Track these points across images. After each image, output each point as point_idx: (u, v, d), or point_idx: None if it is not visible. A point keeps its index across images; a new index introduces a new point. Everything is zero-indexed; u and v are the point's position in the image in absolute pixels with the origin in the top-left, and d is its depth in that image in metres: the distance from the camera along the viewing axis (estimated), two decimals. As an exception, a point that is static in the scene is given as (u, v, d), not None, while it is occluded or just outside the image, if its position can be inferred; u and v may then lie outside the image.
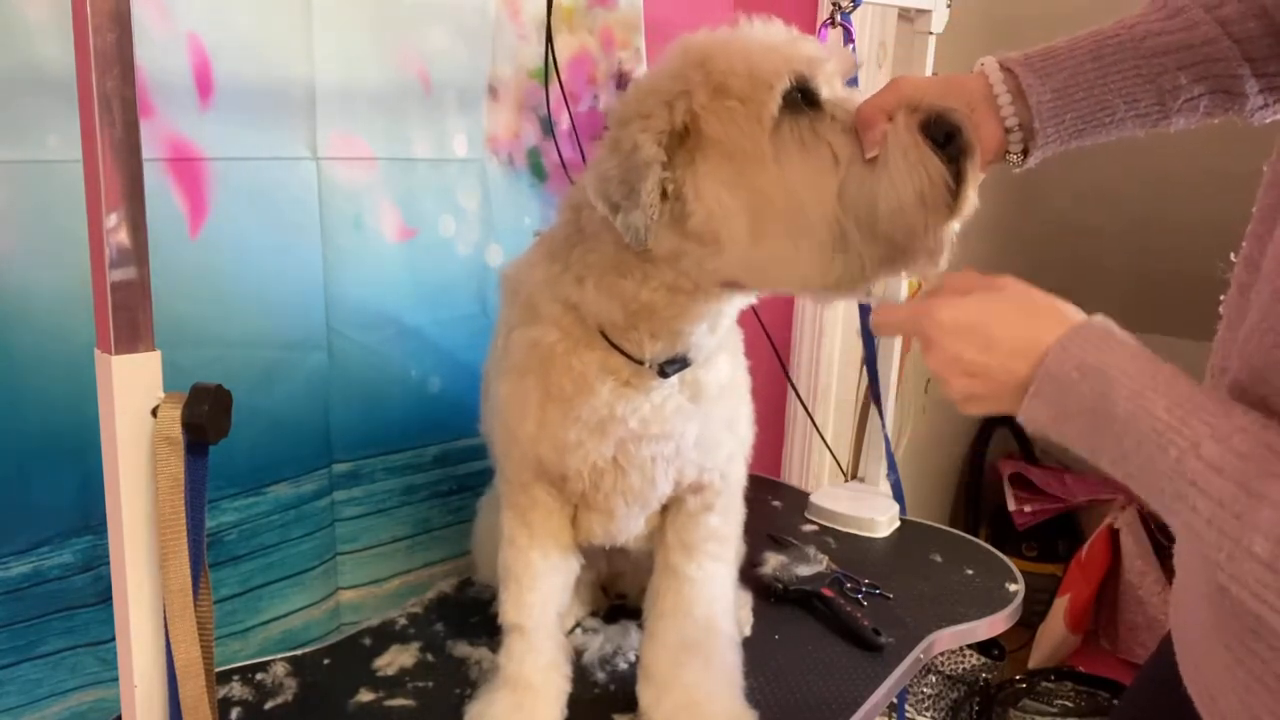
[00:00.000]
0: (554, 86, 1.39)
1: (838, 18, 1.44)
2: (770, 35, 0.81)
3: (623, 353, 0.90)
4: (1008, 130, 0.83)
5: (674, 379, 0.93)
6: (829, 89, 0.79)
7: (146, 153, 0.70)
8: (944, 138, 0.73)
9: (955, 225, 0.77)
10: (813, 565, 1.38)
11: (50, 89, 0.92)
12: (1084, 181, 3.05)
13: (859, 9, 1.44)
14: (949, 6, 1.55)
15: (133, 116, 0.68)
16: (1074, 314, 0.66)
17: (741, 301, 0.92)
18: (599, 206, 0.81)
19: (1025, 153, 0.85)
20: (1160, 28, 0.80)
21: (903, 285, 1.66)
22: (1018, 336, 0.65)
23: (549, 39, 1.35)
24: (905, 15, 1.69)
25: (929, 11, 1.53)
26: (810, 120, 0.78)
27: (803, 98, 0.78)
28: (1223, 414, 0.56)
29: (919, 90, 0.78)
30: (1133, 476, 0.60)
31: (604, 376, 0.91)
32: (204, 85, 1.06)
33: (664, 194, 0.79)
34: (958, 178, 0.74)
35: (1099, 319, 0.64)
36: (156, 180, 1.03)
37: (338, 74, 1.17)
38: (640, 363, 0.91)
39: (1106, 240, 3.06)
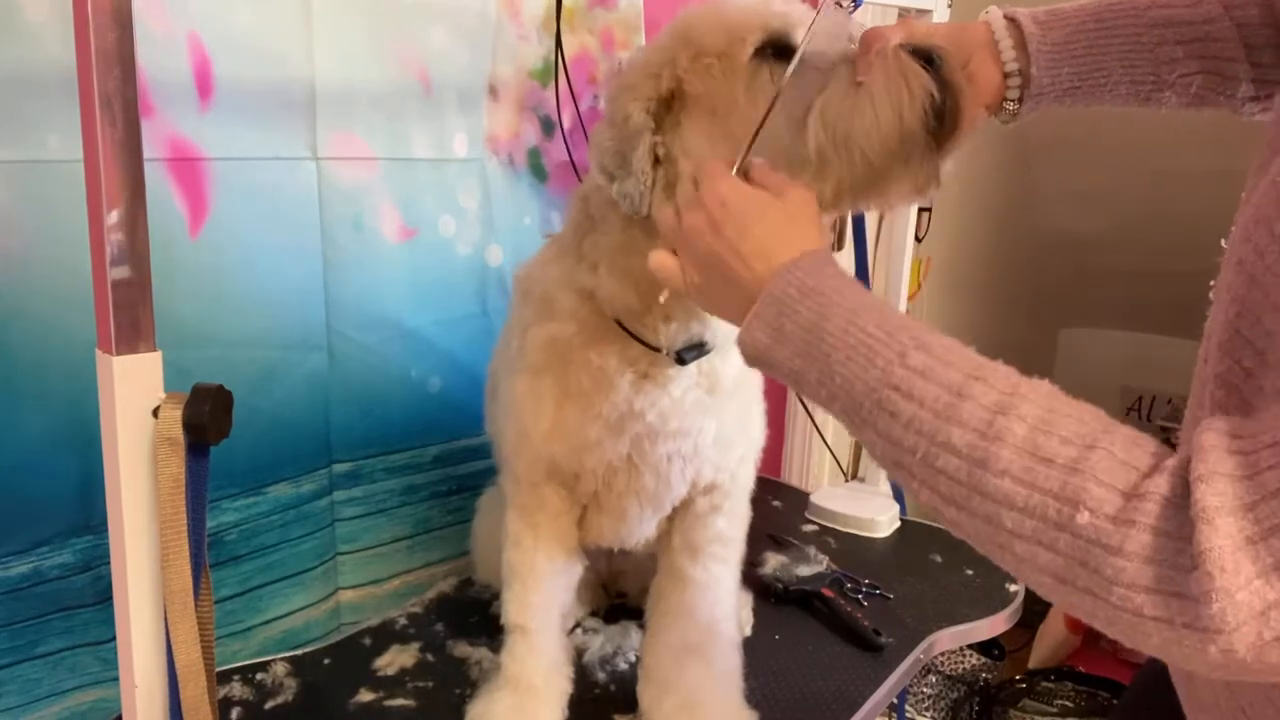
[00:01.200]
0: (562, 86, 1.39)
1: None
2: (749, 1, 0.83)
3: (641, 341, 0.90)
4: (1006, 75, 0.84)
5: (692, 369, 0.93)
6: (816, 47, 0.79)
7: (147, 153, 0.70)
8: (927, 61, 0.74)
9: (947, 162, 0.77)
10: (813, 565, 1.38)
11: (50, 89, 0.92)
12: (1084, 181, 3.05)
13: (859, 9, 1.44)
14: (949, 6, 1.55)
15: (133, 116, 0.68)
16: (811, 239, 0.67)
17: None
18: (599, 180, 0.83)
19: (1020, 100, 0.86)
20: (1166, 0, 0.81)
21: (904, 277, 1.66)
22: (768, 239, 0.66)
23: (558, 41, 1.34)
24: (905, 15, 1.69)
25: (929, 11, 1.53)
26: (786, 68, 0.78)
27: (780, 53, 0.79)
28: (928, 331, 0.59)
29: (928, 30, 0.80)
30: (835, 396, 0.60)
31: (623, 369, 0.91)
32: (204, 85, 1.06)
33: (656, 161, 0.81)
34: (943, 112, 0.74)
35: (821, 249, 0.66)
36: (157, 180, 1.03)
37: (338, 74, 1.17)
38: (658, 350, 0.91)
39: (1106, 240, 3.06)
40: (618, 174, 0.81)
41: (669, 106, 0.82)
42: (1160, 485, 0.49)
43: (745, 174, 0.73)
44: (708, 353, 0.93)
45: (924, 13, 1.54)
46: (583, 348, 0.92)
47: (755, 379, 1.03)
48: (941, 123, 0.74)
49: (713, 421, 0.96)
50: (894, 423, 0.57)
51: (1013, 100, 0.85)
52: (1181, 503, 0.48)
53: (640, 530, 1.03)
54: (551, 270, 0.95)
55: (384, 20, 1.21)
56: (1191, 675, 0.70)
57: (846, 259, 1.96)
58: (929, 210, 2.41)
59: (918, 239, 2.25)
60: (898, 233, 1.67)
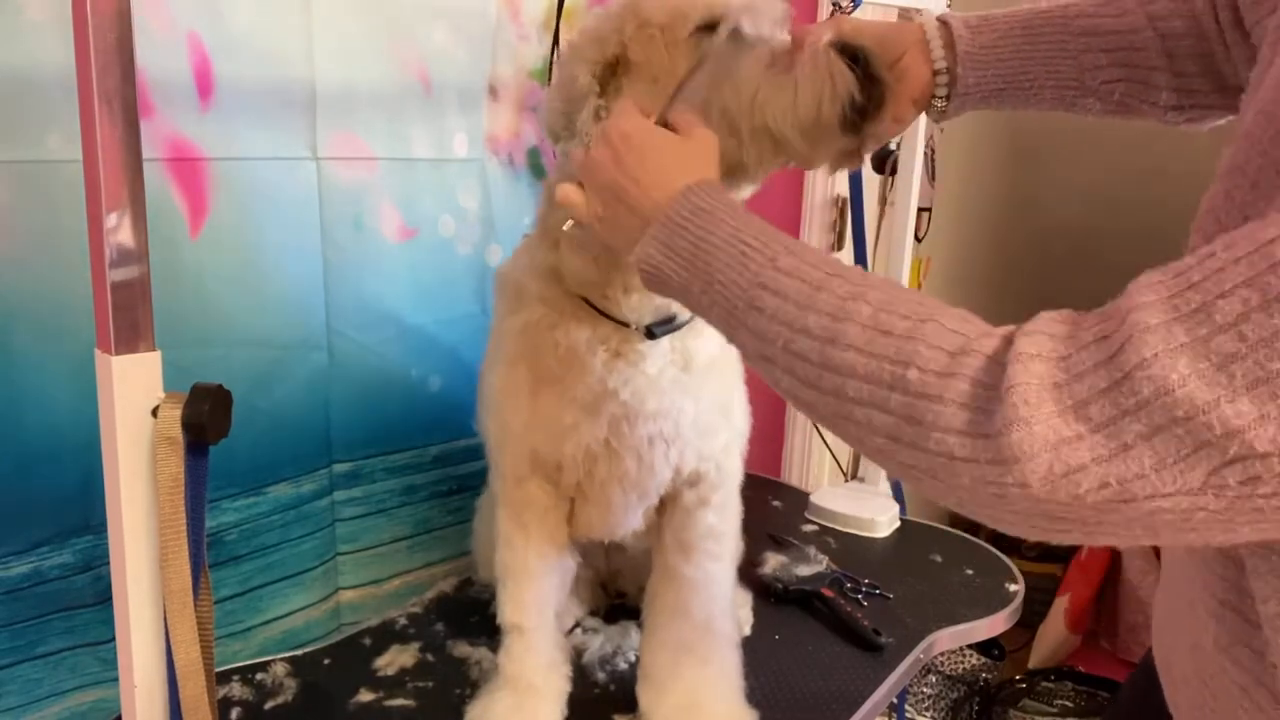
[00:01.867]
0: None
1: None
2: None
3: (609, 318, 0.91)
4: (935, 73, 0.89)
5: (664, 346, 0.93)
6: (755, 31, 0.84)
7: (147, 153, 0.70)
8: (853, 59, 0.79)
9: (869, 146, 0.83)
10: (813, 565, 1.38)
11: (50, 89, 0.92)
12: (1084, 181, 3.05)
13: (859, 9, 1.44)
14: (948, 6, 1.55)
15: (133, 116, 0.68)
16: (704, 171, 0.72)
17: None
18: (549, 142, 0.87)
19: (948, 98, 0.90)
20: (1092, 10, 0.86)
21: (904, 277, 1.66)
22: (667, 169, 0.71)
23: (555, 39, 1.34)
24: (905, 15, 1.69)
25: (930, 11, 1.53)
26: (733, 47, 0.83)
27: (714, 30, 0.83)
28: (799, 243, 0.64)
29: (856, 27, 0.85)
30: (715, 303, 0.66)
31: (593, 347, 0.92)
32: (204, 85, 1.06)
33: (597, 121, 0.83)
34: (864, 107, 0.79)
35: (714, 179, 0.72)
36: (157, 180, 1.03)
37: (338, 74, 1.17)
38: (626, 325, 0.91)
39: (1106, 240, 3.06)
40: (563, 135, 0.85)
41: (614, 72, 0.85)
42: (985, 345, 0.53)
43: (664, 123, 0.78)
44: (678, 327, 0.94)
45: (923, 12, 1.54)
46: (550, 330, 0.93)
47: (734, 362, 1.03)
48: (863, 116, 0.80)
49: (691, 402, 0.96)
50: (760, 317, 0.62)
51: (940, 98, 0.90)
52: (1003, 359, 0.52)
53: (627, 519, 1.03)
54: (522, 259, 0.98)
55: (384, 20, 1.21)
56: (1170, 650, 0.72)
57: (846, 259, 1.96)
58: (929, 210, 2.41)
59: (918, 239, 2.25)
60: (897, 233, 1.67)
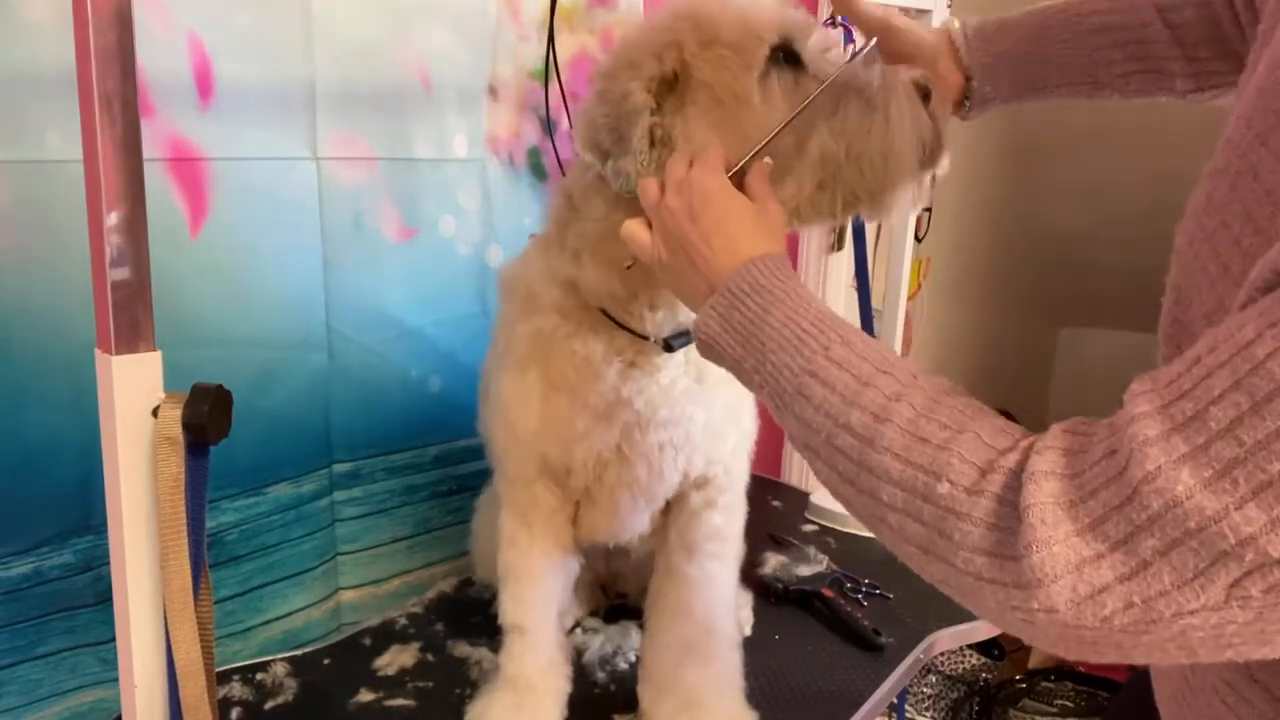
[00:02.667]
0: (555, 87, 1.39)
1: (838, 18, 1.44)
2: (759, 1, 0.85)
3: (627, 329, 0.91)
4: (968, 79, 0.93)
5: (679, 357, 0.93)
6: (811, 54, 0.83)
7: (147, 153, 0.70)
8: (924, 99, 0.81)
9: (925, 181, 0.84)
10: (813, 565, 1.38)
11: (50, 89, 0.92)
12: (1084, 181, 3.05)
13: (859, 9, 1.44)
14: (949, 7, 1.55)
15: (133, 116, 0.68)
16: (774, 245, 0.72)
17: None
18: (587, 156, 0.83)
19: (971, 105, 0.95)
20: (1105, 7, 0.88)
21: (904, 277, 1.66)
22: (737, 238, 0.72)
23: (550, 39, 1.34)
24: (905, 15, 1.69)
25: (929, 11, 1.53)
26: (794, 74, 0.82)
27: (787, 57, 0.82)
28: (854, 331, 0.65)
29: (896, 29, 0.91)
30: (765, 383, 0.66)
31: (609, 357, 0.91)
32: (204, 85, 1.06)
33: (652, 141, 0.81)
34: (933, 146, 0.81)
35: (780, 254, 0.71)
36: (157, 180, 1.03)
37: (338, 74, 1.17)
38: (645, 338, 0.91)
39: (1106, 240, 3.06)
40: (613, 150, 0.80)
41: (670, 88, 0.81)
42: (1010, 460, 0.52)
43: (742, 172, 0.76)
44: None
45: (923, 12, 1.54)
46: (567, 339, 0.92)
47: None
48: (930, 153, 0.81)
49: (702, 410, 0.96)
50: (807, 405, 0.62)
51: (967, 102, 0.94)
52: (1021, 477, 0.51)
53: (634, 524, 1.03)
54: (534, 265, 0.96)
55: (384, 20, 1.21)
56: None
57: (846, 259, 1.96)
58: (929, 210, 2.41)
59: (918, 239, 2.26)
60: (897, 233, 1.67)
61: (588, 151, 0.83)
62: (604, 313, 0.91)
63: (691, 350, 0.94)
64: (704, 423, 0.97)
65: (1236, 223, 0.51)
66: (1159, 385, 0.48)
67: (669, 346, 0.92)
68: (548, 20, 1.35)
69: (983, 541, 0.51)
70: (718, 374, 0.96)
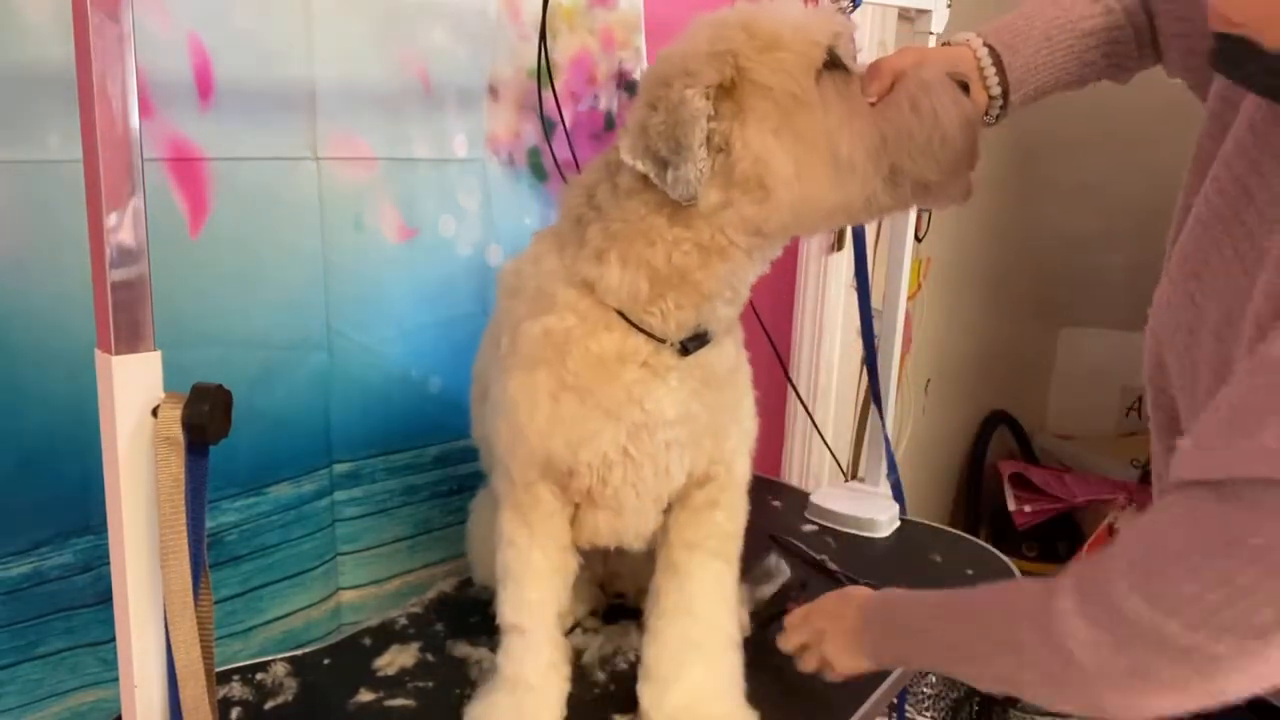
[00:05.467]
0: (555, 86, 1.39)
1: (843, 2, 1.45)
2: (800, 8, 0.88)
3: (643, 331, 0.91)
4: (991, 98, 0.98)
5: (687, 359, 0.94)
6: (847, 57, 0.88)
7: (147, 153, 0.71)
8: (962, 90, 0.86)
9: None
10: (775, 579, 1.25)
11: (50, 89, 0.92)
12: (1084, 181, 3.05)
13: (859, 9, 1.44)
14: (949, 6, 1.55)
15: (133, 116, 0.68)
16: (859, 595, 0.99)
17: (762, 265, 0.94)
18: (641, 165, 0.84)
19: (997, 117, 1.00)
20: (1089, 11, 0.96)
21: (904, 277, 1.66)
22: (841, 605, 1.00)
23: (543, 37, 1.34)
24: (905, 15, 1.69)
25: (929, 11, 1.53)
26: (843, 75, 0.86)
27: (831, 61, 0.85)
28: (953, 605, 0.87)
29: (924, 56, 0.94)
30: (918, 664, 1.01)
31: (624, 358, 0.92)
32: (204, 85, 1.06)
33: (709, 147, 0.83)
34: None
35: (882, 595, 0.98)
36: (157, 180, 1.03)
37: (338, 74, 1.17)
38: (662, 340, 0.91)
39: (1106, 240, 3.06)
40: (672, 159, 0.82)
41: (727, 94, 0.83)
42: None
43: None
44: (708, 342, 0.94)
45: (923, 12, 1.54)
46: (582, 339, 0.92)
47: (746, 371, 1.04)
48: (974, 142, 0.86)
49: (705, 409, 0.97)
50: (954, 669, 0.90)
51: (992, 116, 0.99)
52: None
53: (638, 524, 1.02)
54: (545, 264, 0.96)
55: (384, 20, 1.21)
56: None
57: (846, 259, 1.96)
58: (929, 210, 2.41)
59: (918, 239, 2.25)
60: (897, 233, 1.67)
61: (642, 160, 0.84)
62: (619, 314, 0.91)
63: (700, 352, 0.94)
64: (706, 421, 0.97)
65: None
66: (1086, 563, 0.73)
67: (684, 350, 0.92)
68: (555, 21, 1.35)
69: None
70: (721, 375, 0.98)
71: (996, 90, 0.97)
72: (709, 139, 0.82)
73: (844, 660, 0.97)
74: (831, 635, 0.98)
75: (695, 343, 0.93)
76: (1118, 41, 0.96)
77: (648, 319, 0.91)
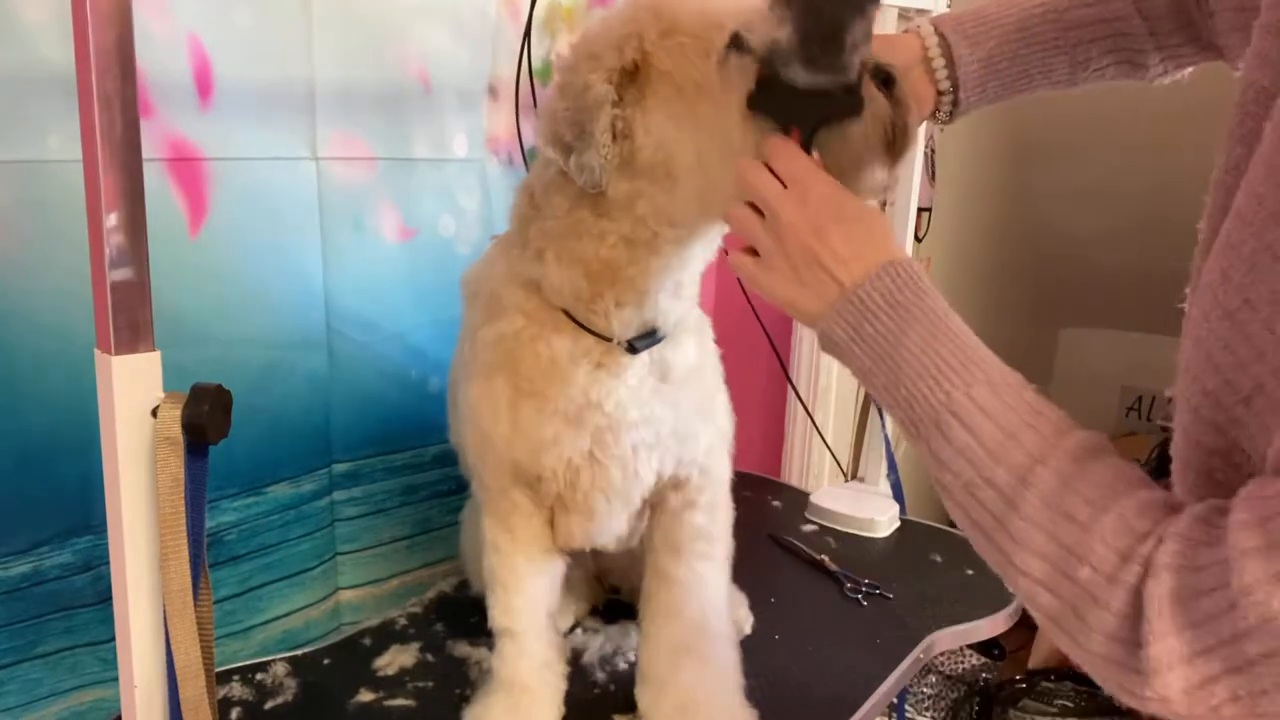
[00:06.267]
0: (534, 86, 1.38)
1: None
2: None
3: (590, 331, 0.90)
4: (940, 93, 0.90)
5: (644, 357, 0.92)
6: (761, 42, 0.79)
7: (146, 153, 0.70)
8: (883, 83, 0.75)
9: (898, 170, 0.78)
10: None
11: (50, 89, 0.92)
12: (1084, 181, 3.05)
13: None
14: (948, 6, 1.55)
15: (133, 116, 0.68)
16: (897, 250, 0.70)
17: (700, 257, 0.91)
18: (548, 152, 0.81)
19: (950, 115, 0.92)
20: (1081, 1, 0.87)
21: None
22: (863, 243, 0.69)
23: (526, 33, 1.33)
24: (905, 15, 1.69)
25: (928, 11, 1.53)
26: (752, 61, 0.77)
27: (740, 47, 0.77)
28: (997, 367, 0.64)
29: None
30: (898, 404, 0.66)
31: (576, 359, 0.90)
32: (204, 85, 1.06)
33: (614, 134, 0.79)
34: (895, 126, 0.75)
35: (909, 261, 0.69)
36: (156, 180, 1.03)
37: (338, 74, 1.17)
38: (608, 339, 0.90)
39: (1106, 240, 3.06)
40: (576, 145, 0.79)
41: (631, 79, 0.79)
42: (1147, 549, 0.54)
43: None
44: (659, 341, 0.92)
45: (923, 12, 1.54)
46: (531, 341, 0.91)
47: (713, 368, 1.02)
48: (894, 140, 0.76)
49: (669, 410, 0.95)
50: (946, 445, 0.62)
51: (945, 112, 0.92)
52: (1150, 567, 0.54)
53: (610, 527, 1.01)
54: (496, 267, 0.95)
55: (384, 20, 1.21)
56: None
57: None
58: (929, 210, 2.41)
59: (918, 239, 2.25)
60: (897, 233, 1.67)
61: (549, 147, 0.81)
62: (567, 314, 0.90)
63: (654, 351, 0.93)
64: (672, 423, 0.96)
65: (1265, 306, 0.52)
66: (1266, 494, 0.50)
67: (632, 348, 0.91)
68: (555, 21, 1.35)
69: (1114, 628, 0.54)
70: (682, 374, 0.96)
71: (946, 84, 0.89)
72: (614, 126, 0.79)
73: (797, 296, 0.71)
74: (809, 250, 0.69)
75: (645, 341, 0.90)
76: (1122, 34, 0.87)
77: (593, 318, 0.89)
